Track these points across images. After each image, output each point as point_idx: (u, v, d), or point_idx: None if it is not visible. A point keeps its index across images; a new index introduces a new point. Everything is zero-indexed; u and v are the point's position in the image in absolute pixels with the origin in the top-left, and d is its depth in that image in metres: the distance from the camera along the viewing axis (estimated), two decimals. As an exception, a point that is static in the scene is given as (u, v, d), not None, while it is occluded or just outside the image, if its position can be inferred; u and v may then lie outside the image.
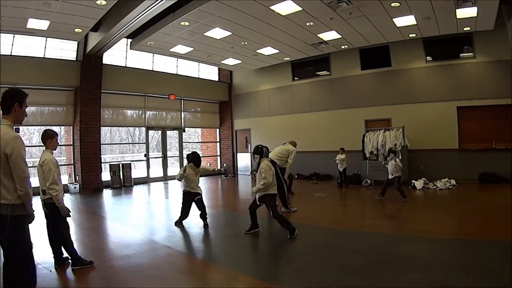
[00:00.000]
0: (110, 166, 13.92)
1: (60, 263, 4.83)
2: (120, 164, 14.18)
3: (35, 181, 4.90)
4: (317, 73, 15.82)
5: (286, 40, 12.36)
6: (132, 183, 14.30)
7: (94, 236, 6.48)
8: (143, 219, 8.47)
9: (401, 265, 4.61)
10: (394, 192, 9.27)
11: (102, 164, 13.49)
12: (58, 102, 12.81)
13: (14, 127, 3.60)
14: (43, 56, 12.05)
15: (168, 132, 17.08)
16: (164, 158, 16.42)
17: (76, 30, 10.57)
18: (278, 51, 13.71)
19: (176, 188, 13.38)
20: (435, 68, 12.91)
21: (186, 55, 14.16)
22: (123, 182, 14.02)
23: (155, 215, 9.19)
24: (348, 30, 11.50)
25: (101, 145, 13.42)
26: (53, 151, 4.84)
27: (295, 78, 16.41)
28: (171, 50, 13.26)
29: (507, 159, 11.38)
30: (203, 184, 14.51)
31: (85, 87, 12.67)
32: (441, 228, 6.59)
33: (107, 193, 12.46)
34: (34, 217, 3.37)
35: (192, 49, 13.15)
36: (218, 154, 19.38)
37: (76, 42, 12.48)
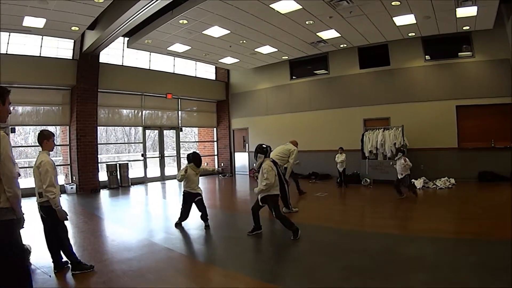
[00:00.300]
0: (107, 166, 13.76)
1: (59, 267, 4.69)
2: (117, 164, 14.03)
3: (31, 182, 4.81)
4: (316, 72, 15.74)
5: (285, 38, 12.27)
6: (130, 183, 14.16)
7: (93, 239, 6.34)
8: (142, 220, 8.35)
9: (409, 266, 4.55)
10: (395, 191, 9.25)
11: (99, 164, 13.33)
12: (54, 102, 12.65)
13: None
14: (39, 55, 11.86)
15: (165, 132, 16.94)
16: (161, 158, 16.29)
17: (73, 28, 10.43)
18: (276, 49, 13.62)
19: (174, 188, 13.32)
20: (434, 67, 12.89)
21: (183, 54, 14.03)
22: (120, 182, 13.87)
23: (154, 216, 9.05)
24: (348, 28, 11.44)
25: (98, 145, 13.25)
26: (50, 152, 4.70)
27: (293, 77, 16.32)
28: (168, 48, 13.13)
29: (506, 158, 11.37)
30: (201, 184, 14.35)
31: (81, 86, 12.52)
32: (445, 227, 6.55)
33: (104, 194, 12.31)
34: (24, 220, 3.24)
35: (190, 47, 13.03)
36: (216, 153, 19.26)
37: (73, 41, 12.30)
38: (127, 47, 13.39)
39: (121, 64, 14.41)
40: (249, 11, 9.74)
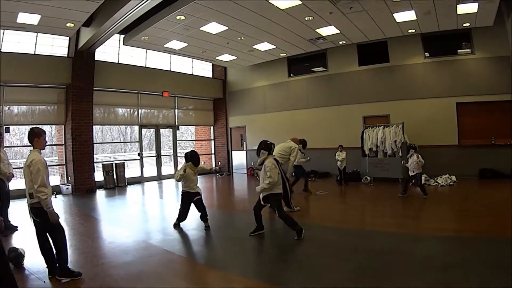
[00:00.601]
0: (103, 166, 13.52)
1: (54, 273, 4.47)
2: (113, 164, 13.80)
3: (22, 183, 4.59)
4: (314, 69, 15.58)
5: (283, 35, 12.10)
6: (126, 183, 13.94)
7: (89, 242, 6.13)
8: (139, 221, 8.13)
9: (419, 265, 4.42)
10: (395, 189, 9.11)
11: (95, 164, 13.10)
12: (49, 100, 12.40)
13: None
14: (33, 53, 11.61)
15: (161, 130, 16.71)
16: (158, 157, 16.08)
17: (68, 24, 10.17)
18: (274, 46, 13.45)
19: (171, 188, 13.13)
20: (434, 64, 12.80)
21: (180, 51, 13.83)
22: (116, 182, 13.64)
23: (151, 216, 8.84)
24: (347, 25, 11.29)
25: (94, 144, 13.01)
26: (42, 151, 4.49)
27: (291, 75, 16.15)
28: (165, 45, 12.93)
29: (507, 155, 11.30)
30: (198, 183, 14.16)
31: (77, 85, 12.27)
32: (451, 225, 6.48)
33: (100, 194, 12.09)
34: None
35: (187, 44, 12.82)
36: (213, 152, 19.07)
37: (68, 38, 12.05)
38: (123, 44, 13.17)
39: (117, 61, 14.16)
40: (248, 7, 9.55)
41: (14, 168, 7.60)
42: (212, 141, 19.13)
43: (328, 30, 11.80)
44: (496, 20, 10.85)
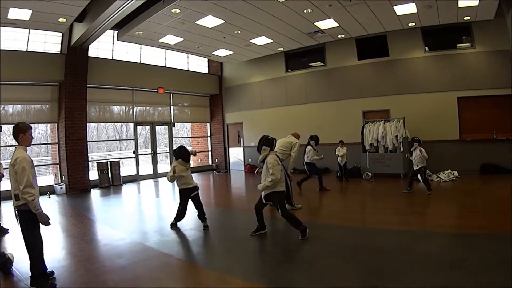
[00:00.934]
0: (98, 164, 13.22)
1: (44, 278, 4.20)
2: (108, 162, 13.50)
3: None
4: (312, 64, 15.32)
5: (281, 28, 11.83)
6: (121, 182, 13.66)
7: (83, 244, 5.83)
8: (135, 221, 7.85)
9: (431, 264, 4.22)
10: (398, 185, 8.92)
11: (90, 163, 12.80)
12: (42, 99, 12.09)
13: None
14: (25, 50, 11.27)
15: (157, 128, 16.42)
16: (154, 154, 15.80)
17: (60, 20, 9.90)
18: (272, 40, 13.18)
19: (167, 186, 12.85)
20: (434, 58, 12.62)
21: (176, 46, 13.52)
22: (111, 181, 13.36)
23: (147, 216, 8.57)
24: (347, 18, 11.06)
25: (88, 143, 12.70)
26: (27, 148, 4.14)
27: (289, 70, 15.89)
28: (160, 40, 12.62)
29: (508, 149, 11.15)
30: (195, 180, 13.93)
31: (70, 82, 11.94)
32: (459, 222, 6.30)
33: (95, 193, 11.80)
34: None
35: (182, 39, 12.53)
36: (209, 149, 18.80)
37: (61, 34, 11.73)
38: (117, 40, 12.83)
39: (111, 58, 13.83)
40: (245, -1, 9.28)
41: (5, 168, 7.29)
42: (209, 138, 18.85)
43: (327, 24, 11.55)
44: (496, 13, 10.70)
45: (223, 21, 10.84)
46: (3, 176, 6.84)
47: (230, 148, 18.24)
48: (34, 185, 3.92)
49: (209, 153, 18.79)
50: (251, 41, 13.11)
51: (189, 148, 6.94)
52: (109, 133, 22.32)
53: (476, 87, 11.75)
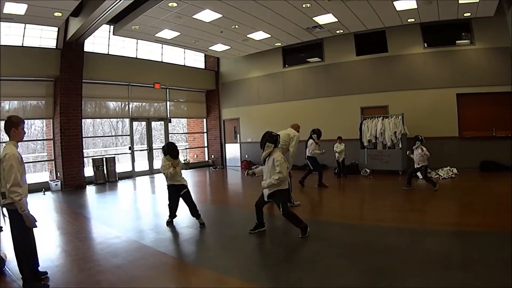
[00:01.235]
0: (93, 160, 13.06)
1: (37, 278, 4.07)
2: (104, 158, 13.34)
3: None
4: (310, 59, 15.18)
5: (279, 23, 11.69)
6: (117, 178, 13.51)
7: (77, 243, 5.70)
8: (130, 219, 7.69)
9: (439, 264, 4.11)
10: (396, 182, 8.84)
11: (85, 159, 12.64)
12: (38, 94, 11.90)
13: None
14: (21, 45, 11.09)
15: (153, 124, 16.25)
16: (150, 150, 15.65)
17: (56, 14, 9.73)
18: (269, 35, 13.03)
19: (163, 183, 12.61)
20: (433, 55, 12.49)
21: (172, 41, 13.35)
22: (107, 177, 13.20)
23: (143, 213, 8.45)
24: (346, 13, 10.95)
25: (83, 139, 12.55)
26: (19, 144, 3.98)
27: (286, 65, 15.74)
28: (156, 35, 12.43)
29: (508, 147, 11.09)
30: (191, 177, 13.94)
31: (65, 77, 11.77)
32: (462, 220, 6.19)
33: (90, 190, 11.64)
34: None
35: (179, 33, 12.36)
36: (206, 145, 18.66)
37: (56, 29, 11.56)
38: (113, 35, 12.64)
39: (106, 53, 13.64)
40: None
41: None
42: (205, 134, 18.71)
43: (326, 19, 11.43)
44: (496, 10, 10.61)
45: (221, 15, 10.69)
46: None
47: (226, 144, 18.10)
48: (21, 184, 3.75)
49: (205, 149, 18.64)
50: (248, 36, 12.95)
51: (187, 158, 6.81)
52: (105, 129, 22.13)
53: (475, 84, 11.67)
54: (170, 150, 6.47)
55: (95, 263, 4.73)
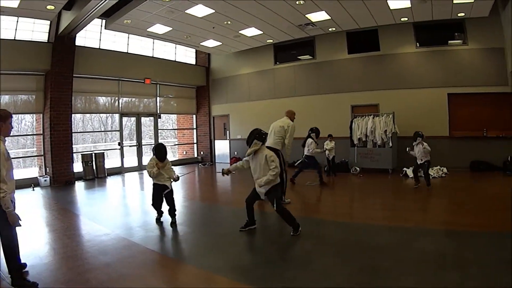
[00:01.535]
0: (82, 156, 12.90)
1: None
2: (93, 154, 13.21)
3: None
4: (301, 57, 15.16)
5: (271, 20, 11.62)
6: (106, 174, 13.36)
7: (66, 240, 5.60)
8: (120, 215, 7.62)
9: (433, 263, 4.12)
10: (386, 180, 8.88)
11: (74, 154, 12.51)
12: (28, 88, 11.72)
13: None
14: (12, 38, 10.89)
15: (142, 119, 16.11)
16: (139, 146, 15.51)
17: (48, 7, 9.62)
18: (261, 32, 12.97)
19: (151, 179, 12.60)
20: (425, 54, 12.53)
21: (164, 36, 13.23)
22: (96, 173, 13.07)
23: (132, 210, 8.37)
24: (339, 11, 10.92)
25: (73, 134, 12.40)
26: (6, 138, 3.86)
27: (277, 62, 15.71)
28: (148, 30, 12.30)
29: (499, 147, 11.19)
30: (180, 174, 13.77)
31: (56, 71, 11.60)
32: (455, 219, 6.19)
33: (79, 186, 11.50)
34: None
35: (171, 29, 12.25)
36: (195, 141, 18.56)
37: (49, 22, 11.39)
38: (105, 29, 12.49)
39: (98, 47, 13.48)
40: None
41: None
42: (195, 130, 18.60)
43: (319, 16, 11.39)
44: (490, 11, 10.63)
45: (213, 11, 10.61)
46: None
47: (216, 141, 18.04)
48: (7, 180, 3.63)
49: (195, 145, 18.55)
50: (240, 32, 12.87)
51: (187, 171, 6.73)
52: (94, 125, 21.89)
53: (467, 84, 11.73)
54: (158, 152, 6.44)
55: (84, 261, 4.66)
